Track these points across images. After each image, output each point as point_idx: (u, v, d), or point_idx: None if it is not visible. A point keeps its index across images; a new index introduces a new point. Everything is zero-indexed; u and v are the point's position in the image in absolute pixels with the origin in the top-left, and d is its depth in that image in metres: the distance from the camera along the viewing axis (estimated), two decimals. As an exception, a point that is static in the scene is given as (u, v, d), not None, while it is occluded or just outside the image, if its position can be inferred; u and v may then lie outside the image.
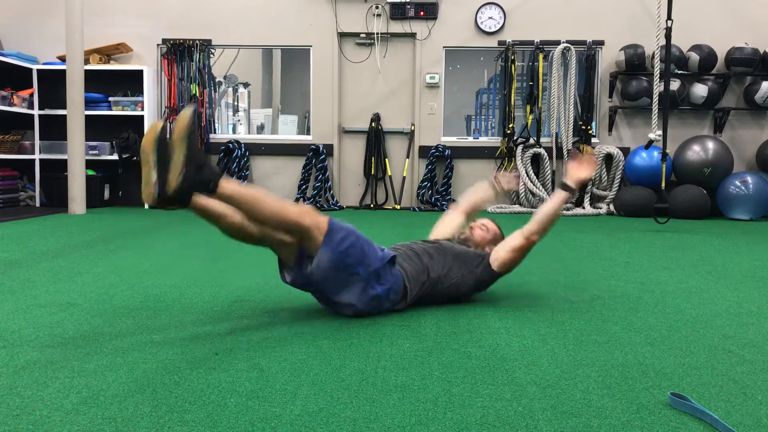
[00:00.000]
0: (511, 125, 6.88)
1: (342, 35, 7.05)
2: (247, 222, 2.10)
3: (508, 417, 1.44)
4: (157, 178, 1.92)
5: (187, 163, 1.92)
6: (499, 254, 2.51)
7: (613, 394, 1.59)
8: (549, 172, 6.82)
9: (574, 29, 6.86)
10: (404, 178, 7.08)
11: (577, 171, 2.57)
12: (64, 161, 6.28)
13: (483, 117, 7.65)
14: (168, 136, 1.97)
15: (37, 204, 6.83)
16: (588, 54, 6.81)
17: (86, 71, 6.21)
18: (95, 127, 6.64)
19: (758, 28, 6.81)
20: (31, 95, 6.76)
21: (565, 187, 2.52)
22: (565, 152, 6.80)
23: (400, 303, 2.35)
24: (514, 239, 2.49)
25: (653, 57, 5.94)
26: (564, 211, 6.52)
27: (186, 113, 1.97)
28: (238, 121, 7.92)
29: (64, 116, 6.09)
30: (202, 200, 2.01)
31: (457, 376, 1.70)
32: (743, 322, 2.31)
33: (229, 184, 2.01)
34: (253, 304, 2.49)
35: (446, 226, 2.84)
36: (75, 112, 5.96)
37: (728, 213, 6.32)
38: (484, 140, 7.13)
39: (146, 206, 1.97)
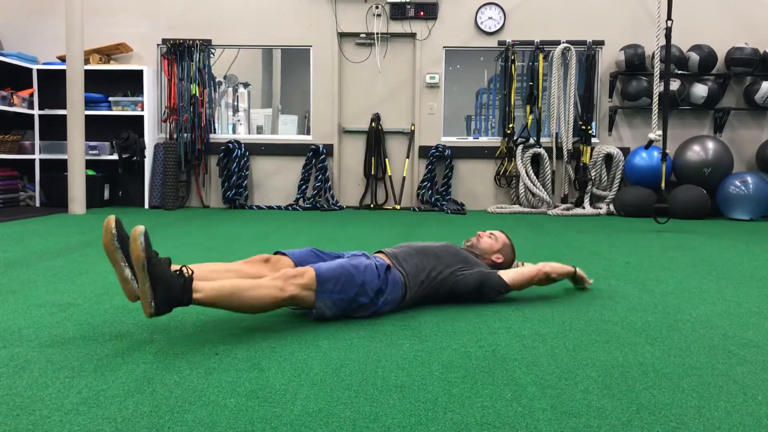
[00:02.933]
0: (511, 125, 6.88)
1: (342, 35, 7.05)
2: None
3: (508, 417, 1.44)
4: (131, 272, 1.89)
5: (153, 289, 1.85)
6: (512, 270, 2.59)
7: (613, 394, 1.59)
8: (549, 172, 6.82)
9: (574, 29, 6.86)
10: (404, 178, 7.08)
11: (586, 280, 2.80)
12: (64, 161, 6.28)
13: (483, 117, 7.65)
14: (122, 229, 1.92)
15: (37, 204, 6.83)
16: (588, 54, 6.81)
17: (86, 71, 6.21)
18: (95, 127, 6.64)
19: (758, 28, 6.81)
20: (31, 95, 6.76)
21: (575, 271, 2.74)
22: (565, 152, 6.80)
23: (401, 302, 2.35)
24: (529, 265, 2.65)
25: (653, 57, 5.94)
26: (564, 212, 6.53)
27: (137, 239, 1.82)
28: (238, 121, 7.92)
29: (64, 116, 6.09)
30: (200, 298, 1.94)
31: (457, 376, 1.70)
32: (743, 322, 2.31)
33: (201, 293, 1.92)
34: (253, 304, 2.48)
35: None
36: (75, 112, 5.96)
37: (728, 213, 6.32)
38: (484, 140, 7.13)
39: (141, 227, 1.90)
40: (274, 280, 2.07)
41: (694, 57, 6.60)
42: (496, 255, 2.66)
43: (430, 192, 6.97)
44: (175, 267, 1.95)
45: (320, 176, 6.93)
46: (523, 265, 2.81)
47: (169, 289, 1.87)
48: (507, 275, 2.53)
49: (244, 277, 2.19)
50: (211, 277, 2.13)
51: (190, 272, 1.94)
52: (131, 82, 6.86)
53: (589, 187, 6.77)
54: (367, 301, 2.22)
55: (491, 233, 2.73)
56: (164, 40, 7.00)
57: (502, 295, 2.55)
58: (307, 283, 2.10)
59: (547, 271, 2.59)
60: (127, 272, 1.89)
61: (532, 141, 6.90)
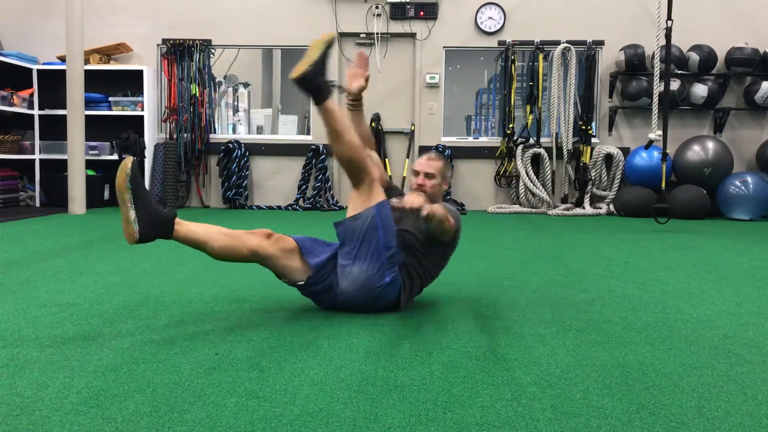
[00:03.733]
0: (511, 125, 6.88)
1: (342, 35, 7.05)
2: (234, 243, 2.19)
3: (508, 417, 1.44)
4: (135, 214, 2.02)
5: (138, 211, 2.01)
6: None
7: (613, 394, 1.59)
8: (549, 172, 6.82)
9: (574, 29, 6.86)
10: (404, 178, 7.08)
11: (353, 80, 2.56)
12: (64, 161, 6.28)
13: (483, 117, 7.66)
14: (138, 172, 2.07)
15: (37, 204, 6.83)
16: (588, 54, 6.81)
17: (86, 71, 6.21)
18: (95, 127, 6.64)
19: (758, 28, 6.81)
20: (31, 95, 6.76)
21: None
22: (565, 152, 6.80)
23: (400, 298, 2.34)
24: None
25: (653, 57, 5.94)
26: (564, 212, 6.52)
27: (125, 165, 2.02)
28: (238, 121, 7.92)
29: (64, 116, 6.08)
30: (182, 231, 2.10)
31: (457, 376, 1.70)
32: (743, 322, 2.31)
33: (183, 227, 2.11)
34: (253, 304, 2.49)
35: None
36: (75, 112, 5.96)
37: (728, 213, 6.32)
38: (484, 140, 7.12)
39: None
40: (255, 234, 2.22)
41: (694, 57, 6.60)
42: (443, 183, 2.53)
43: (430, 192, 6.95)
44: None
45: (320, 176, 6.93)
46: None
47: (154, 216, 2.04)
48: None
49: (240, 245, 2.23)
50: (207, 241, 2.19)
51: (173, 211, 2.10)
52: (131, 82, 6.85)
53: (589, 187, 6.77)
54: (384, 252, 2.24)
55: (425, 171, 2.50)
56: (164, 40, 7.00)
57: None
58: (286, 245, 2.24)
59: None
60: (132, 214, 2.02)
61: (532, 141, 6.90)
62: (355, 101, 2.55)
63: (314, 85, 2.22)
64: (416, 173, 2.53)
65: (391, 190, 2.62)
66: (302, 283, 2.28)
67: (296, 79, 2.22)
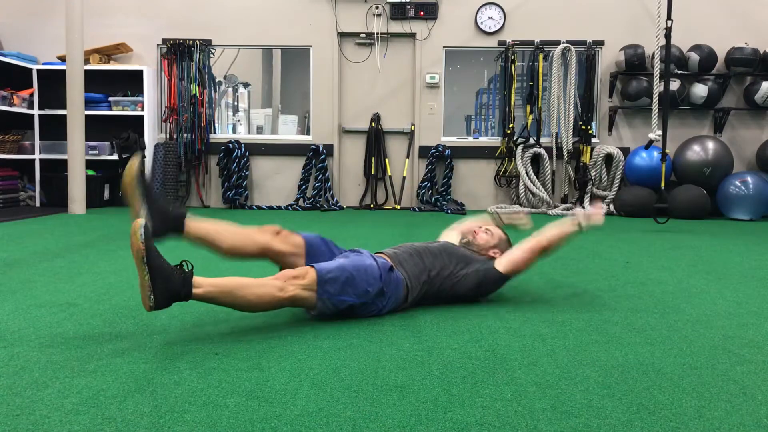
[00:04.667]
0: (511, 125, 6.88)
1: (342, 35, 7.05)
2: (243, 243, 2.19)
3: (508, 417, 1.44)
4: (147, 210, 2.02)
5: (153, 283, 1.86)
6: (504, 258, 2.54)
7: (613, 394, 1.58)
8: (549, 172, 6.82)
9: (574, 29, 6.86)
10: (404, 178, 7.08)
11: (593, 218, 2.58)
12: (64, 161, 6.28)
13: (483, 117, 7.66)
14: (144, 169, 2.10)
15: (37, 204, 6.83)
16: (588, 54, 6.81)
17: (86, 71, 6.21)
18: (95, 127, 6.63)
19: (758, 28, 6.81)
20: (31, 95, 6.76)
21: (579, 226, 2.56)
22: (565, 152, 6.80)
23: (403, 303, 2.35)
24: (522, 244, 2.54)
25: (653, 57, 5.94)
26: (564, 212, 6.53)
27: (137, 233, 1.88)
28: (238, 121, 7.92)
29: (64, 116, 6.08)
30: (192, 229, 2.10)
31: (457, 376, 1.70)
32: (743, 322, 2.31)
33: (200, 289, 1.94)
34: (253, 304, 2.48)
35: (447, 237, 2.85)
36: (75, 112, 5.96)
37: (728, 213, 6.32)
38: (484, 140, 7.12)
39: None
40: (275, 279, 2.09)
41: (694, 57, 6.60)
42: (493, 250, 2.65)
43: (430, 192, 6.97)
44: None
45: (320, 176, 6.93)
46: (502, 221, 2.85)
47: (168, 282, 1.88)
48: (502, 265, 2.50)
49: (249, 242, 2.23)
50: (217, 238, 2.19)
51: (190, 266, 1.96)
52: (131, 82, 6.86)
53: (589, 187, 6.77)
54: (368, 301, 2.22)
55: (487, 228, 2.72)
56: (164, 40, 7.00)
57: (503, 285, 2.54)
58: (308, 284, 2.10)
59: (543, 246, 2.53)
60: (144, 210, 2.04)
61: (532, 141, 6.90)
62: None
63: (172, 293, 1.90)
64: (480, 227, 2.74)
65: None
66: (315, 313, 2.20)
67: (153, 310, 1.90)
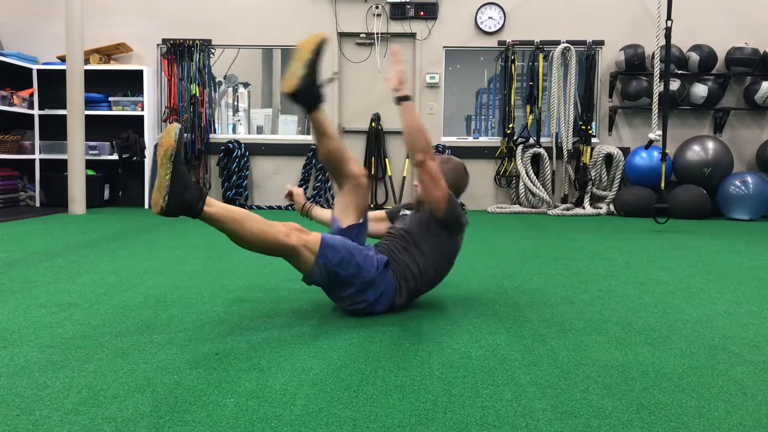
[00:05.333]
0: (511, 125, 6.88)
1: (342, 35, 7.05)
2: (268, 246, 2.09)
3: (508, 417, 1.44)
4: (168, 190, 1.92)
5: (171, 185, 1.91)
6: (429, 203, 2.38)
7: (613, 394, 1.58)
8: (549, 172, 6.82)
9: (574, 29, 6.86)
10: (404, 178, 7.08)
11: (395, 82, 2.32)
12: (64, 161, 6.28)
13: (483, 117, 7.65)
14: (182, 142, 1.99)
15: (37, 204, 6.82)
16: (588, 54, 6.81)
17: (86, 71, 6.21)
18: (95, 127, 6.64)
19: (758, 28, 6.81)
20: (31, 95, 6.76)
21: (405, 98, 2.28)
22: (565, 152, 6.80)
23: (396, 300, 2.33)
24: (419, 178, 2.32)
25: (653, 57, 5.94)
26: (564, 212, 6.52)
27: (171, 132, 1.93)
28: (238, 121, 7.92)
29: (64, 116, 6.09)
30: (211, 212, 2.00)
31: (457, 376, 1.70)
32: (743, 322, 2.31)
33: (212, 208, 2.00)
34: (253, 304, 2.48)
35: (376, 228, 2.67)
36: (75, 112, 5.96)
37: (728, 213, 6.32)
38: (484, 140, 7.12)
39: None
40: (283, 225, 2.11)
41: (694, 57, 6.60)
42: (439, 191, 2.36)
43: (430, 192, 6.95)
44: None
45: (320, 176, 6.93)
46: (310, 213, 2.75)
47: (186, 190, 1.94)
48: (433, 207, 2.35)
49: (276, 245, 2.11)
50: (238, 234, 2.08)
51: (207, 188, 1.96)
52: (131, 82, 6.85)
53: (589, 187, 6.77)
54: (358, 285, 2.20)
55: (415, 184, 2.44)
56: (164, 40, 7.00)
57: (449, 202, 2.36)
58: (310, 241, 2.11)
59: (415, 155, 2.26)
60: (166, 186, 1.92)
61: (532, 141, 6.90)
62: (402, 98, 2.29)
63: (310, 97, 2.19)
64: None
65: (393, 216, 2.62)
66: (306, 278, 2.20)
67: (290, 94, 2.16)
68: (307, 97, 2.18)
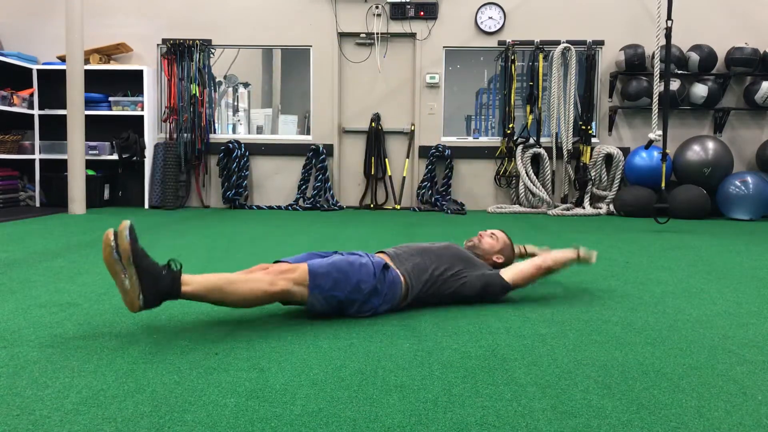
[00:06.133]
0: (511, 125, 6.88)
1: (342, 35, 7.05)
2: (255, 297, 2.08)
3: (508, 417, 1.44)
4: (130, 283, 1.87)
5: (141, 282, 1.87)
6: (511, 269, 2.56)
7: (613, 394, 1.58)
8: (549, 172, 6.82)
9: (574, 29, 6.86)
10: (404, 178, 7.08)
11: (593, 254, 2.69)
12: (64, 161, 6.28)
13: (483, 117, 7.66)
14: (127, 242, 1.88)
15: (37, 204, 6.82)
16: (588, 54, 6.81)
17: (86, 71, 6.21)
18: (95, 127, 6.64)
19: (758, 28, 6.81)
20: (31, 95, 6.76)
21: (577, 254, 2.65)
22: (565, 152, 6.80)
23: (402, 302, 2.35)
24: (529, 261, 2.58)
25: (653, 57, 5.94)
26: (564, 212, 6.53)
27: (123, 234, 1.86)
28: (238, 121, 7.92)
29: (64, 116, 6.09)
30: (189, 291, 1.97)
31: (457, 376, 1.70)
32: (743, 322, 2.31)
33: (189, 287, 1.96)
34: (253, 304, 2.48)
35: None
36: (75, 112, 5.96)
37: (728, 213, 6.32)
38: (484, 140, 7.12)
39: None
40: (266, 274, 2.10)
41: (694, 57, 6.60)
42: (497, 255, 2.67)
43: (430, 192, 6.97)
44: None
45: (320, 176, 6.93)
46: (525, 251, 2.88)
47: (157, 282, 1.90)
48: (508, 275, 2.52)
49: (261, 294, 2.10)
50: (222, 298, 2.07)
51: (178, 266, 1.97)
52: (131, 82, 6.85)
53: (589, 187, 6.77)
54: (361, 299, 2.21)
55: (492, 233, 2.73)
56: (164, 40, 7.00)
57: (505, 295, 2.55)
58: (298, 277, 2.11)
59: (549, 266, 2.58)
60: (127, 284, 1.89)
61: (532, 141, 6.90)
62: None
63: (162, 292, 1.92)
64: (485, 230, 2.76)
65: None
66: (307, 308, 2.21)
67: (144, 309, 1.93)
68: (159, 294, 1.92)
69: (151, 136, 6.92)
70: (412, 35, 7.00)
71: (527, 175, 6.76)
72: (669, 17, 5.13)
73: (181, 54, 6.92)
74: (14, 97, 6.50)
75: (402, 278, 2.33)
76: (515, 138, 6.90)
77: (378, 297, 2.25)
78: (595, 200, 6.89)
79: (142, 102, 6.78)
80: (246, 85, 8.01)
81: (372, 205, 7.04)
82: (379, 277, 2.25)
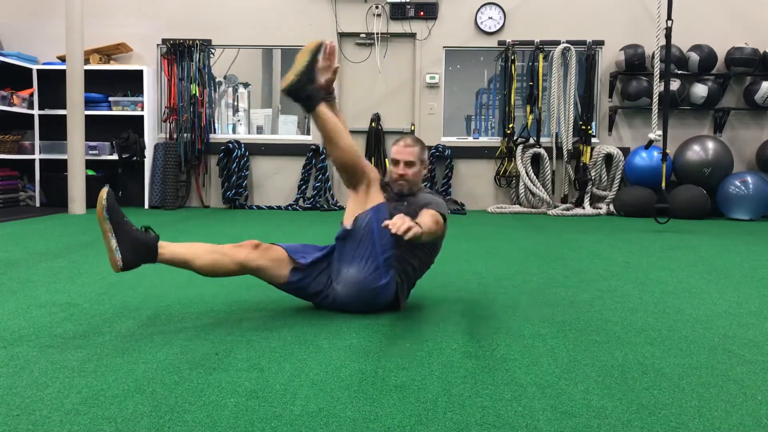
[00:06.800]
0: (511, 125, 6.87)
1: (342, 35, 7.04)
2: (220, 259, 2.22)
3: (508, 417, 1.44)
4: (117, 243, 2.07)
5: (120, 242, 2.08)
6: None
7: (613, 394, 1.59)
8: (549, 172, 6.82)
9: (574, 29, 6.86)
10: (404, 178, 7.07)
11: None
12: (64, 161, 6.28)
13: (483, 117, 7.66)
14: (115, 202, 2.14)
15: (37, 204, 6.82)
16: (588, 54, 6.81)
17: (86, 71, 6.21)
18: (95, 127, 6.63)
19: (758, 28, 6.81)
20: (31, 95, 6.76)
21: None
22: (565, 152, 6.80)
23: (398, 297, 2.35)
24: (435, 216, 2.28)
25: (653, 57, 5.94)
26: (564, 212, 6.52)
27: (101, 196, 2.10)
28: (238, 121, 7.92)
29: (64, 116, 6.08)
30: (166, 253, 2.16)
31: (457, 376, 1.70)
32: (743, 322, 2.31)
33: (166, 249, 2.17)
34: (253, 304, 2.49)
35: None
36: (75, 112, 5.96)
37: (728, 213, 6.32)
38: (484, 140, 7.12)
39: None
40: (243, 247, 2.25)
41: (694, 57, 6.60)
42: (421, 166, 2.51)
43: (430, 192, 6.95)
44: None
45: (320, 176, 6.93)
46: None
47: (136, 243, 2.09)
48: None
49: (227, 260, 2.25)
50: (193, 260, 2.22)
51: (156, 234, 2.15)
52: (131, 82, 6.85)
53: (589, 187, 6.77)
54: (379, 252, 2.25)
55: (404, 147, 2.50)
56: (164, 40, 7.00)
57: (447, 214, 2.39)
58: (275, 255, 2.26)
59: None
60: (114, 243, 2.07)
61: (532, 141, 6.90)
62: (328, 95, 2.49)
63: (304, 94, 2.27)
64: (395, 162, 2.51)
65: (387, 187, 2.61)
66: (292, 279, 2.29)
67: (286, 90, 2.27)
68: (299, 94, 2.27)
69: (151, 136, 6.92)
70: (412, 35, 7.00)
71: (527, 175, 6.76)
72: (669, 17, 5.13)
73: (181, 54, 6.91)
74: (14, 97, 6.50)
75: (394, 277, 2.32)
76: (515, 138, 6.90)
77: (388, 273, 2.26)
78: (595, 200, 6.89)
79: (142, 102, 6.78)
80: (246, 85, 8.01)
81: (372, 205, 7.03)
82: (388, 260, 2.28)
